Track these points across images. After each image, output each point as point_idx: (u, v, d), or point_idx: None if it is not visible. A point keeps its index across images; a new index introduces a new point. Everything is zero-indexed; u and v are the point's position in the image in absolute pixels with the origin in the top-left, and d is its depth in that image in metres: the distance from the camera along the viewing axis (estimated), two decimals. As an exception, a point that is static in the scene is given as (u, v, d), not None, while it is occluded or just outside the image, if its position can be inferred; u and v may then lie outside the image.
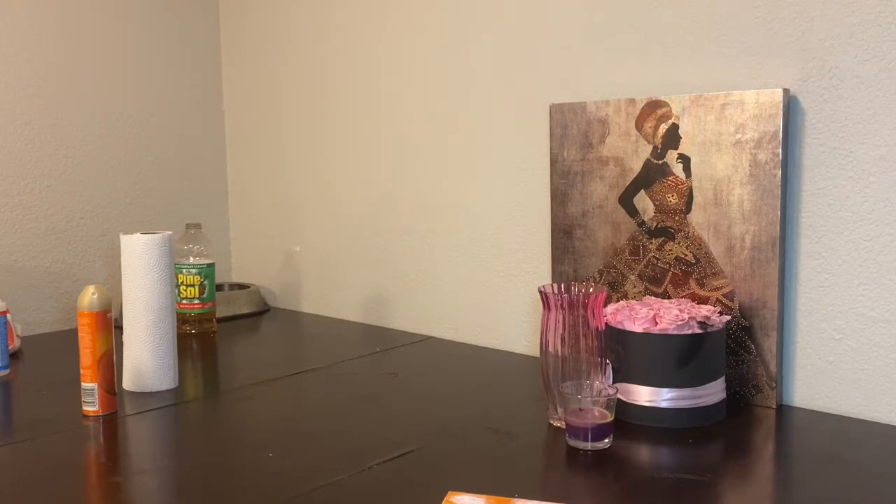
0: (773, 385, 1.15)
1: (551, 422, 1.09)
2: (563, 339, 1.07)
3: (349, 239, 1.84)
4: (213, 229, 2.10)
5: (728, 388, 1.14)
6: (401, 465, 0.96)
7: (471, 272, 1.59)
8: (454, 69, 1.58)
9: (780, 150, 1.12)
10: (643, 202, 1.26)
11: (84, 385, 1.15)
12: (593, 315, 1.08)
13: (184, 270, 1.68)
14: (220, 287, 1.97)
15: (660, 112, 1.22)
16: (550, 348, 1.08)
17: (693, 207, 1.20)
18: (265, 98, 2.01)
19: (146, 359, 1.27)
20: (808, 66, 1.12)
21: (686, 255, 1.22)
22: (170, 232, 1.32)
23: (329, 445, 1.04)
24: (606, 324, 1.14)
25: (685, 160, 1.20)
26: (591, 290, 1.11)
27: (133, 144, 1.93)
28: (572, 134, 1.33)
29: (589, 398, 1.02)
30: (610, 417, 1.01)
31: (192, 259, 1.71)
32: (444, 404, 1.22)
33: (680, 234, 1.22)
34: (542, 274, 1.44)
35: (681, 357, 1.07)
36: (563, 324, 1.07)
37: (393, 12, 1.68)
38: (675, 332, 1.07)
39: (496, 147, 1.52)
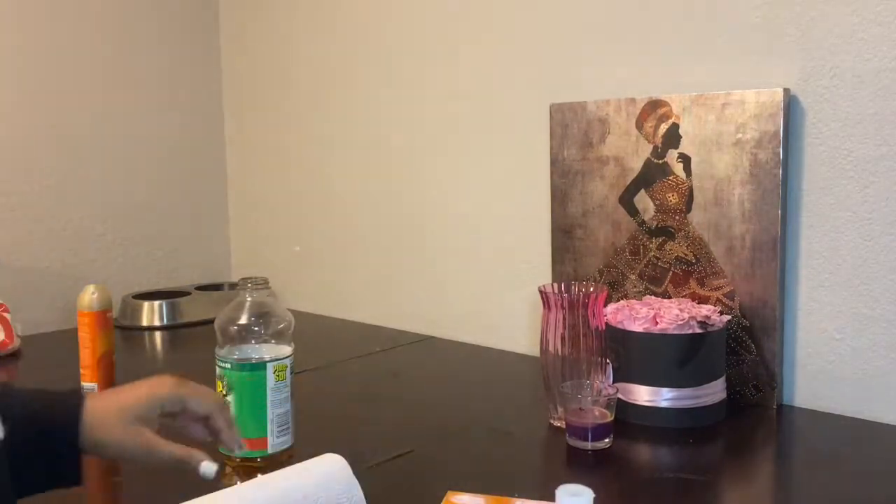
0: (774, 385, 1.15)
1: (552, 422, 1.09)
2: (563, 339, 1.07)
3: (349, 239, 1.84)
4: (213, 229, 2.11)
5: (728, 388, 1.13)
6: (401, 465, 0.96)
7: (471, 272, 1.59)
8: (454, 69, 1.57)
9: (781, 150, 1.11)
10: (643, 202, 1.26)
11: (84, 385, 1.15)
12: (593, 315, 1.08)
13: (235, 370, 0.88)
14: (219, 287, 1.97)
15: (660, 111, 1.22)
16: (550, 348, 1.08)
17: (693, 207, 1.20)
18: (265, 98, 2.01)
19: None
20: (808, 65, 1.12)
21: (686, 255, 1.21)
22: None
23: (329, 445, 1.04)
24: (607, 323, 1.14)
25: (685, 160, 1.20)
26: (592, 289, 1.11)
27: (133, 144, 1.93)
28: (572, 133, 1.33)
29: (589, 398, 1.02)
30: (610, 417, 1.01)
31: (254, 350, 0.90)
32: (444, 404, 1.22)
33: (680, 234, 1.22)
34: (542, 274, 1.44)
35: (681, 357, 1.07)
36: (564, 323, 1.07)
37: (393, 12, 1.68)
38: (676, 332, 1.07)
39: (496, 147, 1.52)
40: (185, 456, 0.71)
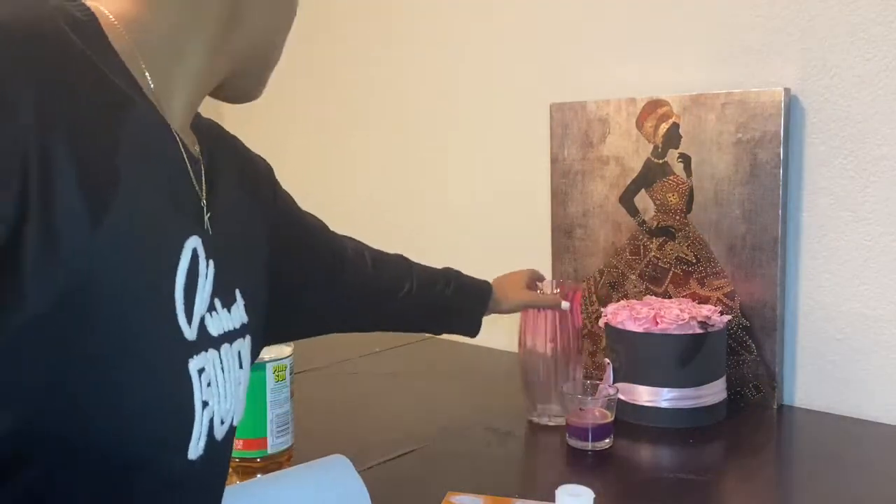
0: (774, 385, 1.15)
1: (530, 419, 1.10)
2: (541, 336, 1.09)
3: (349, 239, 1.84)
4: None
5: (729, 388, 1.13)
6: (401, 465, 0.96)
7: (470, 272, 1.58)
8: (454, 69, 1.57)
9: (781, 150, 1.11)
10: (644, 202, 1.25)
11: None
12: (571, 312, 1.09)
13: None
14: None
15: (660, 111, 1.22)
16: (528, 345, 1.10)
17: (694, 207, 1.20)
18: (265, 97, 2.01)
19: None
20: (808, 65, 1.12)
21: (687, 255, 1.21)
22: None
23: (328, 445, 1.04)
24: (607, 323, 1.14)
25: (686, 159, 1.20)
26: (570, 288, 1.12)
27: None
28: (573, 133, 1.33)
29: (590, 398, 1.02)
30: (610, 417, 1.01)
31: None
32: (444, 404, 1.21)
33: (680, 234, 1.22)
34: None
35: (681, 357, 1.07)
36: (544, 321, 1.08)
37: (393, 11, 1.68)
38: (676, 332, 1.07)
39: (496, 146, 1.52)
40: (554, 301, 1.07)
